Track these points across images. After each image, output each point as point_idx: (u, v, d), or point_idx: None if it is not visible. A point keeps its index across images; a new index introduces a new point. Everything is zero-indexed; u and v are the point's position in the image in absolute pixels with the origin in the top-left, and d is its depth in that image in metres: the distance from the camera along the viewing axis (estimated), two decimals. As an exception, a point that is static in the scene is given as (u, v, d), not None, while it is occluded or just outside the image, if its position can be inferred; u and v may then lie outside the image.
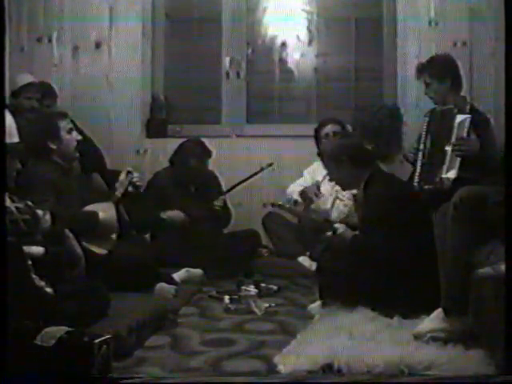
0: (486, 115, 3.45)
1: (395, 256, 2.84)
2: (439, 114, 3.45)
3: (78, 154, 3.45)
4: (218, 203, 4.14)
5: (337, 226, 3.18)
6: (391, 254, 2.85)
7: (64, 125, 3.38)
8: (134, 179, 3.49)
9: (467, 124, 3.20)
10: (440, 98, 3.54)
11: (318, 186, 4.07)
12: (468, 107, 3.36)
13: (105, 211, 3.29)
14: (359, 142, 3.70)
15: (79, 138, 3.43)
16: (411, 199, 3.09)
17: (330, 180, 3.42)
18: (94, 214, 3.25)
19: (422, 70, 3.65)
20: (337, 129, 4.13)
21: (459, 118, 3.25)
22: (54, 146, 3.33)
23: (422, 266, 2.80)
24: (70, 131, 3.40)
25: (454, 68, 3.63)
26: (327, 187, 4.03)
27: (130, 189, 3.47)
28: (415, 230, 2.87)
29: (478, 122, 3.28)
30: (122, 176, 3.48)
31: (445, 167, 3.23)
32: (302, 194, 4.08)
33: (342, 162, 3.16)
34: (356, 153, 3.20)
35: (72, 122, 3.53)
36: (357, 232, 3.12)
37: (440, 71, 3.58)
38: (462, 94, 3.68)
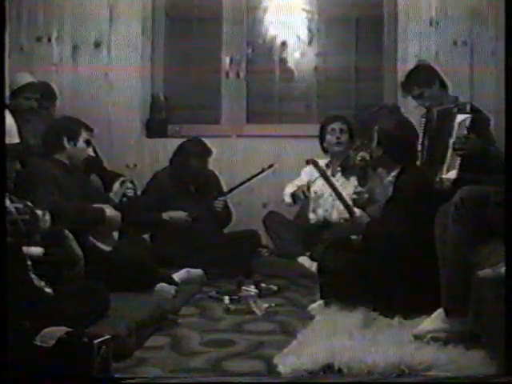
0: (486, 114, 3.45)
1: (402, 251, 2.83)
2: (437, 113, 3.45)
3: (83, 167, 3.48)
4: (218, 204, 4.14)
5: (355, 210, 3.16)
6: (401, 248, 2.84)
7: (85, 135, 3.42)
8: (127, 191, 3.51)
9: (467, 123, 3.20)
10: (436, 102, 3.55)
11: (308, 187, 4.11)
12: (468, 106, 3.36)
13: (110, 209, 3.32)
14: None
15: (93, 154, 3.46)
16: (437, 197, 3.02)
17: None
18: (102, 210, 3.28)
19: (407, 84, 3.67)
20: (344, 127, 4.17)
21: (460, 117, 3.24)
22: (67, 146, 3.36)
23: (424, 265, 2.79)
24: (87, 143, 3.44)
25: (435, 70, 3.69)
26: (326, 187, 4.03)
27: (124, 199, 3.51)
28: (430, 227, 2.82)
29: (479, 121, 3.28)
30: (116, 186, 3.52)
31: (445, 167, 3.22)
32: (293, 196, 4.14)
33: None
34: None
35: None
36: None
37: (427, 76, 3.61)
38: (463, 93, 3.68)
